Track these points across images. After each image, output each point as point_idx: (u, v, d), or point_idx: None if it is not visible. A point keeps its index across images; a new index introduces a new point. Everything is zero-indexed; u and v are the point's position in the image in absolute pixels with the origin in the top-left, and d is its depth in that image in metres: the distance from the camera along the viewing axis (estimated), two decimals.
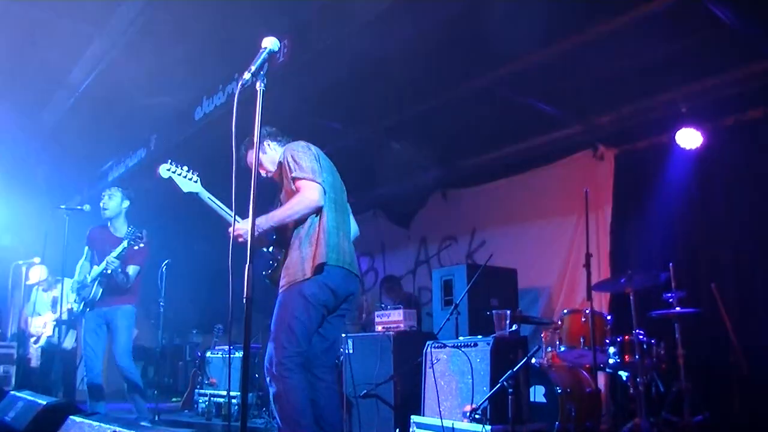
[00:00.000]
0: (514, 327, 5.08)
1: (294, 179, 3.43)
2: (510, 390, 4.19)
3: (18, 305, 10.18)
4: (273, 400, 3.29)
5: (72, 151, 9.19)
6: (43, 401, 3.93)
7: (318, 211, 3.44)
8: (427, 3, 4.73)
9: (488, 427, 4.25)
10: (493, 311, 5.04)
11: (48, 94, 8.04)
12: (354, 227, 3.91)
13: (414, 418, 4.98)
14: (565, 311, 5.49)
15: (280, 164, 3.59)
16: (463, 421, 4.48)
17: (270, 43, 2.85)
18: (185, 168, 3.65)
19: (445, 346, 4.94)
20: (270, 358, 3.30)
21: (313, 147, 3.61)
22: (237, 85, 2.83)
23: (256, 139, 2.77)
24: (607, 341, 5.20)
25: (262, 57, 2.84)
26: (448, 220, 8.73)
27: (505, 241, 7.77)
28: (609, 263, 6.61)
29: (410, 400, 5.15)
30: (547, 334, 5.65)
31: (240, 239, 3.26)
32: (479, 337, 4.78)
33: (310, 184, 3.38)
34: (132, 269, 5.60)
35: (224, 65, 6.47)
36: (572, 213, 7.04)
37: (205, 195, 3.66)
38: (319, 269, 3.32)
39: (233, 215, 3.21)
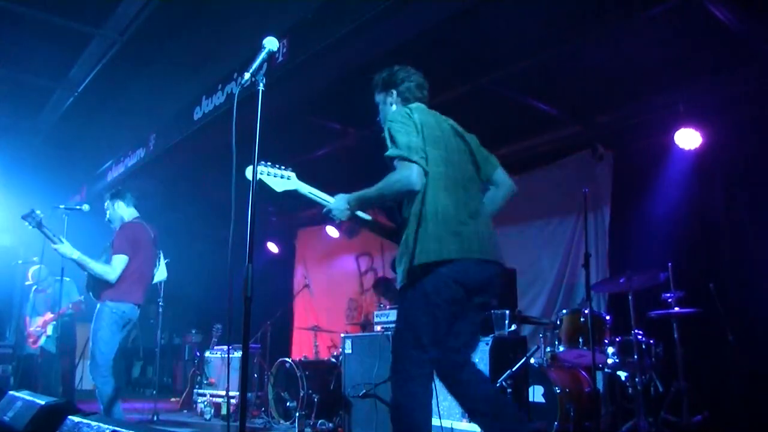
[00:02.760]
0: (513, 327, 5.09)
1: (388, 158, 3.02)
2: (509, 390, 4.19)
3: (17, 305, 10.20)
4: (391, 409, 2.91)
5: (71, 151, 9.20)
6: (41, 401, 3.92)
7: (418, 193, 2.95)
8: (426, 2, 4.73)
9: None
10: (492, 311, 5.04)
11: (47, 93, 8.04)
12: (502, 190, 3.44)
13: None
14: (564, 311, 5.51)
15: None
16: (461, 421, 4.48)
17: (269, 42, 2.85)
18: (277, 166, 3.29)
19: None
20: (392, 363, 2.96)
21: (417, 113, 3.10)
22: (236, 85, 2.84)
23: (255, 146, 2.77)
24: (606, 341, 5.21)
25: (261, 57, 2.84)
26: None
27: (504, 241, 7.71)
28: (608, 263, 6.62)
29: None
30: (546, 334, 5.66)
31: (332, 216, 3.09)
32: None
33: (403, 163, 2.91)
34: (115, 258, 4.96)
35: (223, 65, 6.47)
36: (571, 213, 7.04)
37: (306, 189, 3.32)
38: (432, 266, 2.86)
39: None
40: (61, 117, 8.33)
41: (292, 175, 3.31)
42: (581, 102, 6.54)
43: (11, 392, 4.60)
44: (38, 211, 4.96)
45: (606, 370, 5.41)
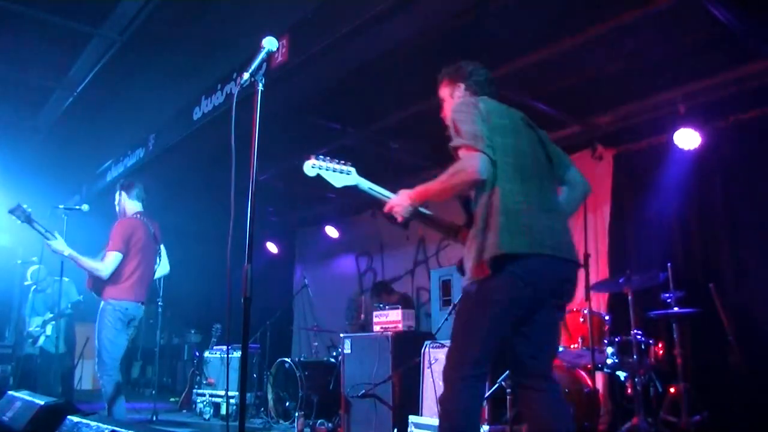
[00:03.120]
0: None
1: (453, 149, 2.84)
2: (508, 390, 4.19)
3: (17, 305, 10.20)
4: (440, 411, 2.78)
5: (70, 150, 9.20)
6: (41, 401, 3.92)
7: (485, 185, 2.76)
8: (426, 3, 4.73)
9: (486, 427, 4.25)
10: None
11: (46, 93, 8.04)
12: (577, 191, 3.20)
13: (412, 418, 4.98)
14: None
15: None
16: None
17: (269, 42, 2.85)
18: (335, 160, 3.09)
19: (443, 346, 4.95)
20: (445, 362, 2.80)
21: (483, 102, 2.94)
22: (236, 85, 2.83)
23: (254, 146, 2.77)
24: (606, 341, 5.21)
25: (260, 57, 2.84)
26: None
27: None
28: (607, 263, 6.62)
29: (408, 400, 5.15)
30: None
31: (395, 214, 2.93)
32: None
33: (469, 153, 2.73)
34: (109, 255, 4.90)
35: (223, 65, 6.47)
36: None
37: (366, 185, 3.15)
38: (500, 262, 2.65)
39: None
40: (60, 117, 8.32)
41: (352, 170, 3.12)
42: (581, 102, 6.54)
43: (10, 392, 4.61)
44: (25, 205, 4.90)
45: (605, 370, 5.40)
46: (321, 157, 3.01)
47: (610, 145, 6.83)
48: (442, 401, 2.72)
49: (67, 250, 4.84)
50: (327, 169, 3.02)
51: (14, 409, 4.12)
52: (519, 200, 2.74)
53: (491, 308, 2.69)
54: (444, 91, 3.30)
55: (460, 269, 2.91)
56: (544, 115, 6.76)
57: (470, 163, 2.69)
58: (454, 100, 3.19)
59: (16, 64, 7.21)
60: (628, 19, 4.88)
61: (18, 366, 8.12)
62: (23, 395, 4.30)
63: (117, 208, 5.33)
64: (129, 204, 5.27)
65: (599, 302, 6.42)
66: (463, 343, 2.73)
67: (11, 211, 4.89)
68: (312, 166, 2.98)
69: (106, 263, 4.86)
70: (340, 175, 3.07)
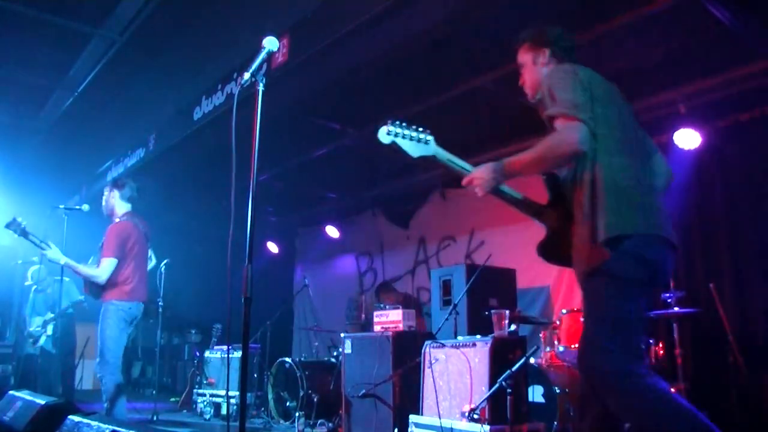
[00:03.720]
0: (512, 327, 5.08)
1: (549, 118, 2.61)
2: (509, 390, 4.19)
3: (17, 305, 10.21)
4: (623, 417, 2.47)
5: (71, 150, 9.21)
6: (41, 401, 3.93)
7: (585, 159, 2.53)
8: (425, 3, 4.73)
9: (487, 427, 4.25)
10: (492, 311, 5.04)
11: (47, 93, 8.05)
12: (661, 180, 2.90)
13: (412, 417, 4.98)
14: (564, 311, 5.50)
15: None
16: (461, 421, 4.48)
17: (269, 43, 2.85)
18: (413, 127, 2.77)
19: (443, 346, 4.94)
20: (591, 370, 2.48)
21: (583, 71, 2.69)
22: (236, 85, 2.83)
23: (255, 146, 2.77)
24: None
25: (261, 57, 2.84)
26: (447, 220, 8.74)
27: (504, 241, 7.78)
28: None
29: (409, 400, 5.15)
30: (546, 334, 5.66)
31: (475, 188, 2.68)
32: (478, 337, 4.78)
33: (568, 123, 2.50)
34: (104, 262, 4.96)
35: (224, 65, 6.48)
36: None
37: (445, 156, 2.85)
38: (619, 242, 2.43)
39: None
40: (60, 117, 8.34)
41: (431, 139, 2.80)
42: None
43: (11, 392, 4.61)
44: (20, 219, 4.95)
45: None
46: (398, 122, 2.69)
47: None
48: (634, 416, 2.38)
49: (63, 259, 4.92)
50: (404, 137, 2.71)
51: (15, 408, 4.12)
52: (627, 176, 2.53)
53: (630, 294, 2.45)
54: (525, 57, 3.07)
55: (550, 254, 2.71)
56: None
57: (570, 134, 2.47)
58: (537, 66, 2.97)
59: (17, 64, 7.22)
60: (628, 19, 4.88)
61: (19, 366, 8.13)
62: (24, 395, 4.31)
63: (104, 204, 5.37)
64: (119, 204, 5.31)
65: None
66: (616, 339, 2.41)
67: (7, 226, 4.95)
68: (387, 133, 2.67)
69: (102, 270, 4.94)
70: (417, 144, 2.77)
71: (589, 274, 2.51)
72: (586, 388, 2.65)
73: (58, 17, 6.25)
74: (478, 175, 2.68)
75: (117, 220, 5.23)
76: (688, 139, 5.83)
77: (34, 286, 7.79)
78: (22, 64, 7.22)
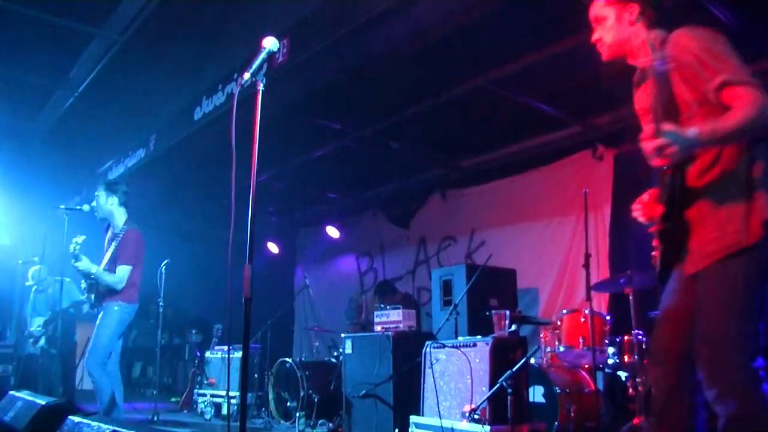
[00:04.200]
0: (513, 327, 5.08)
1: (723, 86, 2.33)
2: (509, 390, 4.19)
3: (18, 305, 10.21)
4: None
5: (71, 151, 9.21)
6: (42, 401, 3.93)
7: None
8: (425, 3, 4.73)
9: (488, 428, 4.25)
10: (493, 311, 5.04)
11: (47, 93, 8.05)
12: None
13: (413, 418, 4.98)
14: (564, 311, 5.50)
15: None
16: (462, 421, 4.48)
17: (269, 43, 2.85)
18: None
19: (444, 346, 4.94)
20: (717, 374, 2.30)
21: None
22: (236, 86, 2.83)
23: (255, 146, 2.77)
24: (606, 341, 5.21)
25: (261, 57, 2.84)
26: (448, 221, 8.73)
27: (505, 242, 7.77)
28: (608, 263, 6.62)
29: (409, 400, 5.15)
30: (546, 335, 5.66)
31: (664, 155, 2.25)
32: (478, 337, 4.78)
33: (757, 91, 2.26)
34: (120, 269, 5.19)
35: (224, 65, 6.48)
36: (571, 213, 7.04)
37: None
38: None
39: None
40: (61, 117, 8.34)
41: None
42: (581, 102, 6.54)
43: (12, 392, 4.61)
44: (75, 246, 5.05)
45: (606, 370, 5.40)
46: None
47: (611, 145, 6.83)
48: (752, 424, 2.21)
49: (94, 268, 5.13)
50: None
51: (15, 408, 4.13)
52: None
53: (758, 289, 2.22)
54: (606, 10, 2.73)
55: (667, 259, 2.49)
56: (544, 116, 6.77)
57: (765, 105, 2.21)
58: (623, 24, 2.70)
59: (17, 64, 7.22)
60: None
61: (19, 366, 8.12)
62: (24, 395, 4.31)
63: (97, 206, 5.46)
64: (117, 211, 5.45)
65: (600, 302, 6.42)
66: (741, 332, 2.20)
67: (72, 262, 5.08)
68: None
69: (121, 277, 5.19)
70: None
71: (714, 263, 2.28)
72: (666, 380, 2.53)
73: (59, 18, 6.25)
74: (672, 140, 2.22)
75: (123, 226, 5.38)
76: None
77: (35, 286, 7.79)
78: (22, 64, 7.22)
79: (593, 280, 5.53)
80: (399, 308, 5.77)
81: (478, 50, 5.55)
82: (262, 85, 2.81)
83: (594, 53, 2.89)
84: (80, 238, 5.08)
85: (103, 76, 7.16)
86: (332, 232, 10.23)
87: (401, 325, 5.64)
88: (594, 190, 6.55)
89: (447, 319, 5.55)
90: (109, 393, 4.99)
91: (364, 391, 5.44)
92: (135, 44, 6.49)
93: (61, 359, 7.51)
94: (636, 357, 4.93)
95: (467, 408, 4.47)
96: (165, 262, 6.94)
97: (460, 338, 5.10)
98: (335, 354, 7.41)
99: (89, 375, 5.05)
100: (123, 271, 5.19)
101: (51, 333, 7.38)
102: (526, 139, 7.52)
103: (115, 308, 5.16)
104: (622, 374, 5.27)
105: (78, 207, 5.67)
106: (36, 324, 7.52)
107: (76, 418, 3.50)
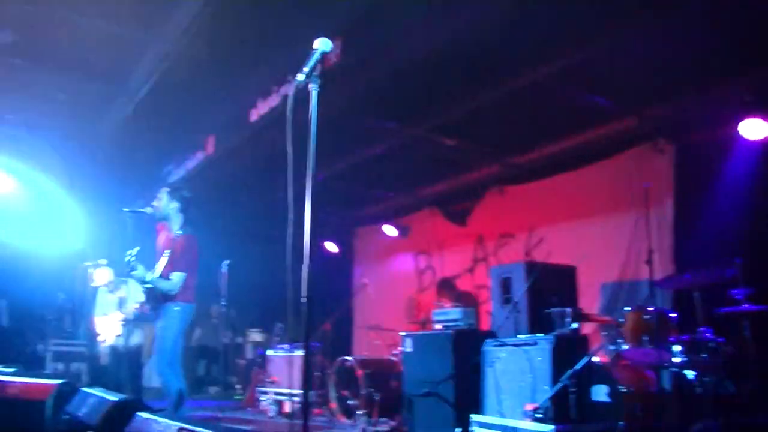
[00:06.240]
0: (574, 325, 5.00)
1: None
2: (572, 389, 4.13)
3: (88, 306, 10.56)
4: None
5: (134, 155, 9.47)
6: (113, 398, 4.05)
7: None
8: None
9: (552, 427, 4.20)
10: (553, 309, 4.97)
11: (109, 100, 8.30)
12: None
13: (474, 416, 4.96)
14: (627, 309, 5.38)
15: None
16: (525, 420, 4.43)
17: (322, 44, 2.88)
18: None
19: (504, 344, 4.90)
20: None
21: None
22: (291, 87, 2.87)
23: (311, 146, 2.79)
24: (672, 339, 5.07)
25: (314, 58, 2.86)
26: (505, 217, 8.65)
27: (564, 238, 7.65)
28: (672, 259, 6.44)
29: (470, 398, 5.13)
30: (609, 332, 5.54)
31: None
32: (539, 335, 4.72)
33: None
34: (175, 276, 5.36)
35: (279, 66, 6.56)
36: (632, 207, 6.86)
37: None
38: None
39: None
40: (123, 122, 8.57)
41: None
42: (639, 94, 6.38)
43: (84, 389, 4.77)
44: (130, 258, 5.22)
45: (672, 369, 5.26)
46: None
47: (671, 138, 6.65)
48: None
49: (149, 275, 5.31)
50: None
51: (88, 405, 4.26)
52: None
53: None
54: None
55: None
56: (601, 109, 6.63)
57: None
58: None
59: (80, 71, 7.49)
60: (686, 4, 4.73)
61: (91, 364, 8.40)
62: (96, 392, 4.45)
63: (158, 206, 5.63)
64: (175, 215, 5.62)
65: (664, 299, 6.26)
66: None
67: (128, 273, 5.32)
68: None
69: (176, 283, 5.35)
70: None
71: None
72: None
73: (116, 25, 6.47)
74: None
75: (178, 231, 5.55)
76: (754, 129, 5.61)
77: (102, 288, 8.04)
78: (85, 71, 7.49)
79: (656, 276, 5.40)
80: (459, 306, 5.74)
81: (530, 44, 5.47)
82: (315, 85, 2.84)
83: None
84: (134, 250, 5.23)
85: (160, 81, 7.33)
86: (389, 230, 10.25)
87: (461, 323, 5.61)
88: (655, 183, 6.37)
89: (507, 317, 5.50)
90: (176, 391, 5.17)
91: (425, 390, 5.44)
92: (190, 49, 6.62)
93: (129, 358, 7.74)
94: (703, 355, 4.78)
95: (530, 407, 4.42)
96: (226, 262, 7.07)
97: (520, 336, 5.04)
98: (395, 352, 7.43)
99: (159, 375, 5.30)
100: (178, 277, 5.35)
101: (119, 333, 7.60)
102: (583, 133, 7.39)
103: (176, 308, 5.36)
104: (690, 373, 5.12)
105: (141, 209, 5.83)
106: (105, 324, 7.76)
107: (145, 415, 3.60)
